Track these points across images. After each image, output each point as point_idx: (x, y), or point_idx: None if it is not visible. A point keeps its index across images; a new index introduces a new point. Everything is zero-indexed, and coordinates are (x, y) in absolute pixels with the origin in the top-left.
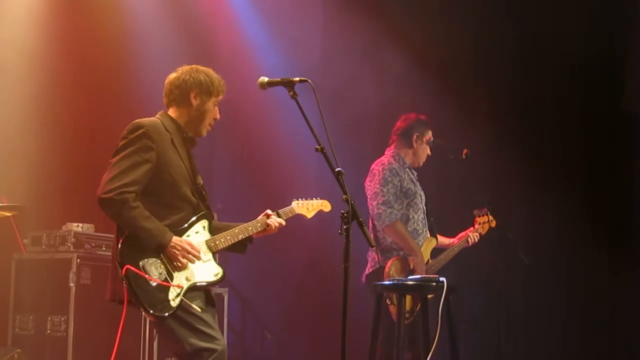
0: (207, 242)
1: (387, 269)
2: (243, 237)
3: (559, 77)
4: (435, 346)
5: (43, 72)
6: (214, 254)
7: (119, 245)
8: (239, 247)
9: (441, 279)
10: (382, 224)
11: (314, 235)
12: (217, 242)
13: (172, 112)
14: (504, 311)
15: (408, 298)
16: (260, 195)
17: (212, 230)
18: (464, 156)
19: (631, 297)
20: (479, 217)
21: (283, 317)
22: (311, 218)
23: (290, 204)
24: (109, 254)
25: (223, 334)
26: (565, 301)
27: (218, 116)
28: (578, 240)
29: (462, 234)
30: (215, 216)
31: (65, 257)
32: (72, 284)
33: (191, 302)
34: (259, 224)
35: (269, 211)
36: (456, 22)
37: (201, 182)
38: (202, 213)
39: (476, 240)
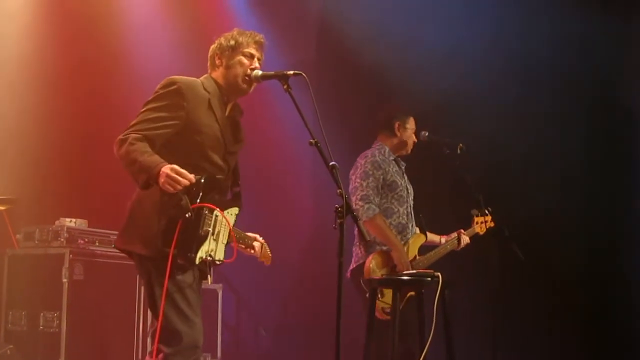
0: (231, 229)
1: (367, 264)
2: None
3: (557, 73)
4: (431, 342)
5: (37, 68)
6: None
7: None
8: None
9: (436, 274)
10: (359, 219)
11: (308, 229)
12: (238, 235)
13: (213, 75)
14: (499, 307)
15: (390, 292)
16: (254, 188)
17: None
18: (459, 151)
19: (629, 293)
20: (477, 217)
21: (278, 312)
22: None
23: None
24: (102, 249)
25: (217, 330)
26: (560, 298)
27: (254, 65)
28: (575, 235)
29: (454, 233)
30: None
31: (58, 253)
32: (64, 280)
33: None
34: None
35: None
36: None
37: (235, 151)
38: (238, 200)
39: (468, 241)
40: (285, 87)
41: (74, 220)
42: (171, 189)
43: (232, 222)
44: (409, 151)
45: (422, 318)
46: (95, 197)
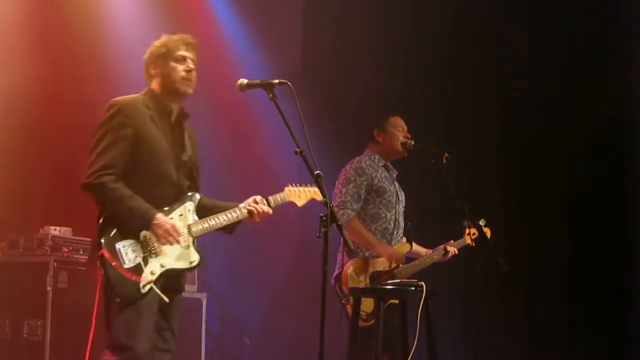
0: (189, 226)
1: (345, 269)
2: (227, 223)
3: (544, 86)
4: (414, 352)
5: (20, 72)
6: (194, 239)
7: (99, 224)
8: (226, 228)
9: (420, 283)
10: (343, 228)
11: (294, 238)
12: (199, 228)
13: (152, 87)
14: (482, 316)
15: (368, 300)
16: (240, 197)
17: (200, 210)
18: (444, 160)
19: (612, 303)
20: (469, 228)
21: (262, 322)
22: (301, 207)
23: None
24: (86, 257)
25: (201, 339)
26: (545, 307)
27: (190, 67)
28: (556, 245)
29: (441, 246)
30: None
31: (42, 261)
32: (49, 288)
33: (160, 291)
34: (245, 210)
35: (257, 197)
36: (436, 28)
37: (187, 158)
38: (187, 195)
39: (456, 252)
40: (270, 96)
41: (58, 228)
42: (162, 241)
43: (189, 219)
44: (399, 149)
45: (405, 327)
46: (79, 206)
